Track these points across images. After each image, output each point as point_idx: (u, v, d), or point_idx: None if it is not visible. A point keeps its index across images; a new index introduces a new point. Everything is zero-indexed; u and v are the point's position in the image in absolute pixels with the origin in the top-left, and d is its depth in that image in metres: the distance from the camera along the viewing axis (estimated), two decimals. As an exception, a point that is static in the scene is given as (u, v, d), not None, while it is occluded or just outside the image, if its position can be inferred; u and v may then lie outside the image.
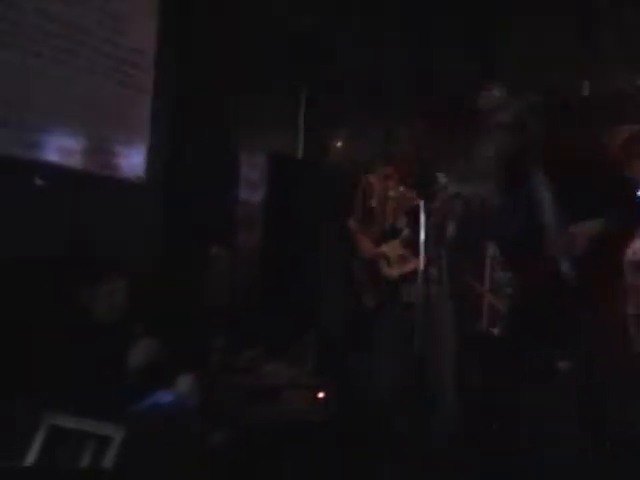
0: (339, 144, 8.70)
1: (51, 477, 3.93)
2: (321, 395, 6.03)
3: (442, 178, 5.38)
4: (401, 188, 5.45)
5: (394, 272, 5.30)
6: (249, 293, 7.12)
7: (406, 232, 5.30)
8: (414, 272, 5.19)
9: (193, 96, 6.55)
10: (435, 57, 7.90)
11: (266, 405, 5.59)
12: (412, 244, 5.22)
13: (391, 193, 5.44)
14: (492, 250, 8.68)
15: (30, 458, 3.97)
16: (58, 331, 4.42)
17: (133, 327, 4.86)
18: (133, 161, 6.10)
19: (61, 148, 5.56)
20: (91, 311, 4.64)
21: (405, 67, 7.95)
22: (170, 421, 4.32)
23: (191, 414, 4.46)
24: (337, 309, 7.08)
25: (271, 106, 7.60)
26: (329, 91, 8.06)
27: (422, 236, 4.90)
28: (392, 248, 5.34)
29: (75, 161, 5.67)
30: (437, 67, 7.94)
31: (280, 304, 7.11)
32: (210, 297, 6.33)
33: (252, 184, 7.50)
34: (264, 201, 7.59)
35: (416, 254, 5.12)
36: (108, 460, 3.94)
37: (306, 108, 8.26)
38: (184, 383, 4.54)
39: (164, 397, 4.46)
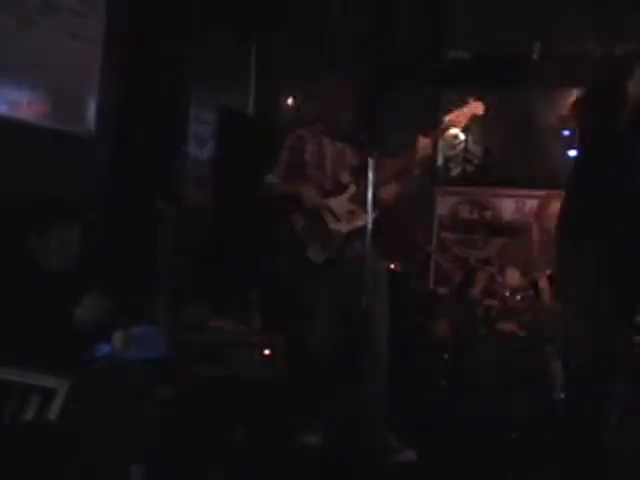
0: (291, 100, 8.69)
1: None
2: (267, 352, 6.07)
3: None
4: (338, 144, 5.44)
5: (343, 227, 5.29)
6: (197, 249, 7.11)
7: (353, 188, 5.30)
8: (363, 228, 5.24)
9: (144, 50, 6.49)
10: (389, 12, 7.89)
11: (212, 362, 5.60)
12: (360, 200, 5.22)
13: (328, 149, 5.41)
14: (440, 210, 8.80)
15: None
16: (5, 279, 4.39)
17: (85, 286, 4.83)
18: (83, 114, 6.05)
19: (9, 100, 5.50)
20: (41, 258, 4.59)
21: (360, 21, 7.96)
22: (112, 375, 4.31)
23: (132, 369, 4.45)
24: (285, 265, 7.08)
25: (222, 61, 7.56)
26: (282, 46, 8.04)
27: (370, 193, 4.94)
28: (339, 203, 5.32)
29: (23, 113, 5.61)
30: (391, 22, 7.95)
31: (228, 261, 7.12)
32: (157, 252, 6.32)
33: (201, 140, 7.47)
34: (213, 157, 7.58)
35: (365, 210, 5.17)
36: (53, 413, 3.94)
37: (258, 63, 8.22)
38: (118, 338, 4.52)
39: (104, 350, 4.46)
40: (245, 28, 7.82)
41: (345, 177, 5.36)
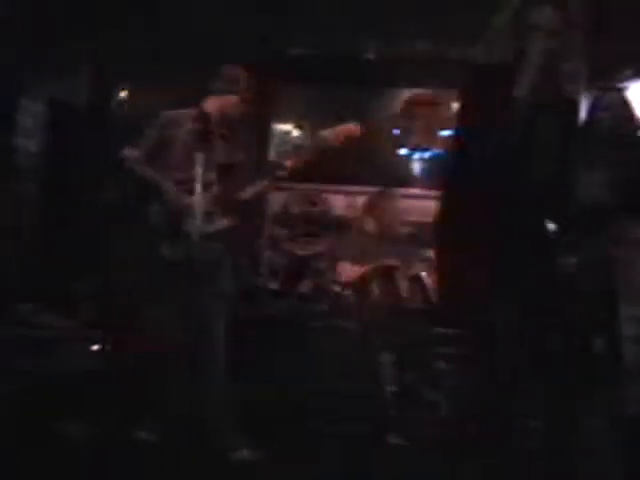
0: (125, 93, 8.59)
1: None
2: (96, 347, 5.99)
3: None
4: (210, 139, 5.26)
5: (200, 227, 5.10)
6: (25, 243, 6.96)
7: (216, 188, 5.18)
8: (225, 228, 5.20)
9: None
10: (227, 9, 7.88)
11: (39, 357, 5.49)
12: (223, 200, 5.17)
13: (198, 141, 5.17)
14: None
15: None
16: None
17: None
18: None
19: None
20: None
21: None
22: None
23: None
24: (122, 260, 7.01)
25: (56, 52, 7.41)
26: (118, 39, 7.93)
27: (198, 188, 4.89)
28: (200, 202, 5.08)
29: None
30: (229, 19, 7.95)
31: (58, 255, 6.98)
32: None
33: (28, 132, 7.30)
34: (42, 149, 7.42)
35: (223, 210, 5.12)
36: None
37: (92, 54, 8.09)
38: None
39: None
40: (79, 20, 7.66)
41: (210, 175, 5.20)
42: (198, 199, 5.09)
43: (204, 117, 5.22)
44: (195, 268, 5.11)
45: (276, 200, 8.89)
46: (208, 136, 5.20)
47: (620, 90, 4.89)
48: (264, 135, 8.58)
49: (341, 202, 8.76)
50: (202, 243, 5.11)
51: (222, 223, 5.15)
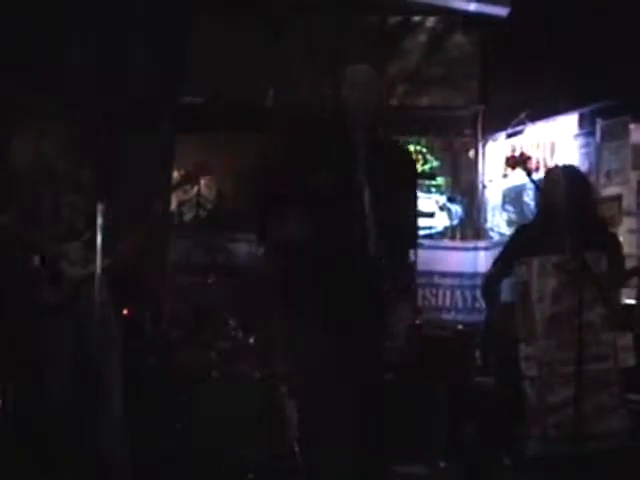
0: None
1: None
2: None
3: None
4: (74, 194, 5.47)
5: (77, 272, 5.28)
6: None
7: (88, 234, 5.27)
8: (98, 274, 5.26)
9: None
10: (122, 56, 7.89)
11: None
12: (94, 247, 5.25)
13: (64, 197, 5.44)
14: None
15: None
16: None
17: None
18: None
19: None
20: None
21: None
22: None
23: None
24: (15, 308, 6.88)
25: None
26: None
27: (99, 238, 4.95)
28: (74, 249, 5.32)
29: None
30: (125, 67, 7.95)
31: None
32: None
33: None
34: None
35: (100, 256, 5.18)
36: None
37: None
38: None
39: None
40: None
41: (81, 224, 5.36)
42: (72, 246, 5.32)
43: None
44: (77, 314, 5.19)
45: (179, 248, 8.89)
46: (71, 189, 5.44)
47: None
48: (166, 183, 8.54)
49: (243, 249, 8.79)
50: (82, 288, 5.21)
51: (98, 266, 5.19)
